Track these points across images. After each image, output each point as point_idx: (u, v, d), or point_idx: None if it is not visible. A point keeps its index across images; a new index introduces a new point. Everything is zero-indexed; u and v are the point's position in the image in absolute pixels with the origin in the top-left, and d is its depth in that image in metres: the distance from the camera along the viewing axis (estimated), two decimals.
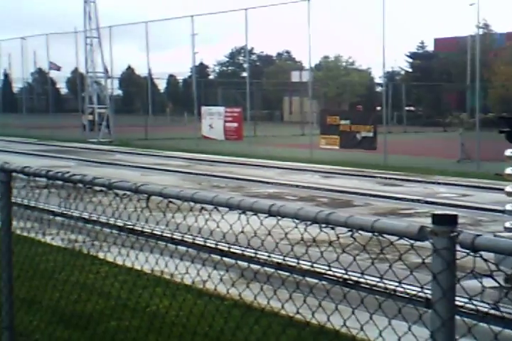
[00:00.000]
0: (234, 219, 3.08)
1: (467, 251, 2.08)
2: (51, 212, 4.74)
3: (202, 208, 3.22)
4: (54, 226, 4.49)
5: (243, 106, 33.76)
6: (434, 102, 57.86)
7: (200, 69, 68.61)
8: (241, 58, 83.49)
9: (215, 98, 45.78)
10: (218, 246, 3.53)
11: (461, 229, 2.12)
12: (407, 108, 53.35)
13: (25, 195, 4.24)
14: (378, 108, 41.23)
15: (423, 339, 2.29)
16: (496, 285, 2.47)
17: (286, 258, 3.05)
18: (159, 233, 3.73)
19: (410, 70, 65.87)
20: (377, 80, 66.16)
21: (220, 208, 3.07)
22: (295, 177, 19.70)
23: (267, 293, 3.13)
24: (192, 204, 3.21)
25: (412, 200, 14.64)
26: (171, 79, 79.44)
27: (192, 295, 4.38)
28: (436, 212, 2.15)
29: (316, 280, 3.47)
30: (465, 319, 2.68)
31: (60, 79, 63.45)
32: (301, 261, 2.99)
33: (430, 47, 67.89)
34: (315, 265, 2.87)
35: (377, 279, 2.73)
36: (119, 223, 4.07)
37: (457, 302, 2.13)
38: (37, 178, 4.00)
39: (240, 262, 3.38)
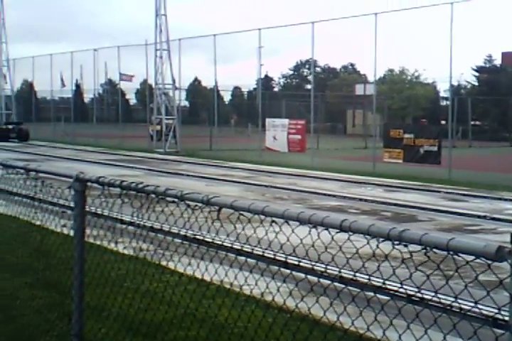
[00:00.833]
0: (305, 232, 3.09)
1: None
2: (120, 220, 4.83)
3: (272, 221, 3.24)
4: (125, 235, 4.58)
5: (307, 118, 33.74)
6: (500, 117, 56.89)
7: (265, 82, 68.94)
8: (305, 71, 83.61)
9: (279, 110, 45.87)
10: (288, 260, 3.55)
11: None
12: (472, 122, 52.56)
13: (98, 204, 4.34)
14: (443, 122, 40.74)
15: None
16: None
17: (357, 274, 3.05)
18: (229, 245, 3.77)
19: (477, 84, 64.94)
20: (442, 94, 65.50)
21: (290, 221, 3.08)
22: (358, 190, 19.60)
23: (337, 309, 3.13)
24: (262, 216, 3.24)
25: (478, 216, 14.39)
26: (236, 91, 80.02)
27: (260, 308, 4.40)
28: None
29: (386, 298, 3.45)
30: None
31: (130, 90, 64.60)
32: (372, 277, 2.99)
33: (498, 61, 66.80)
34: (387, 282, 2.87)
35: (451, 298, 2.71)
36: (189, 233, 4.14)
37: None
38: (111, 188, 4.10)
39: (309, 276, 3.39)
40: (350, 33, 71.55)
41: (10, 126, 47.20)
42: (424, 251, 2.47)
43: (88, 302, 4.73)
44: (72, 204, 4.34)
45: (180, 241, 4.47)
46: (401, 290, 3.95)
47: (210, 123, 44.53)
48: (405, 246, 2.58)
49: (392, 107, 60.52)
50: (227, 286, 4.24)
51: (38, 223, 5.42)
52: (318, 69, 78.21)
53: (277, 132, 31.89)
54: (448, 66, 24.36)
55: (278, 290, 3.55)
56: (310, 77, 72.24)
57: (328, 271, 3.75)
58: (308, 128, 32.22)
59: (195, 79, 77.93)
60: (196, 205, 3.66)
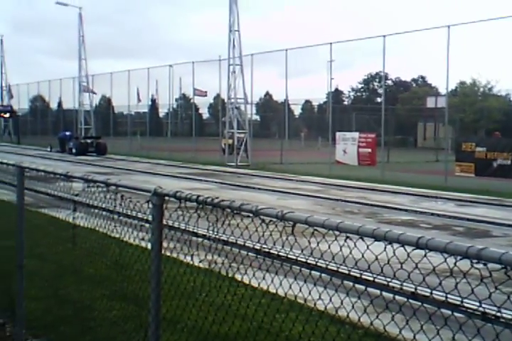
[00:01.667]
0: (380, 249, 3.09)
1: None
2: (196, 233, 4.91)
3: (347, 237, 3.25)
4: (201, 249, 4.66)
5: (377, 131, 33.55)
6: None
7: (336, 95, 68.84)
8: (375, 84, 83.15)
9: (349, 123, 45.79)
10: (363, 276, 3.56)
11: None
12: None
13: (175, 218, 4.43)
14: None
15: None
16: None
17: (434, 292, 3.04)
18: (303, 260, 3.81)
19: None
20: None
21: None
22: (429, 204, 19.38)
23: (413, 327, 3.12)
24: (337, 232, 3.25)
25: None
26: (307, 104, 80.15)
27: (334, 324, 4.41)
28: None
29: (462, 315, 3.42)
30: None
31: (203, 105, 65.63)
32: (449, 296, 2.98)
33: None
34: (465, 300, 2.86)
35: None
36: (264, 248, 4.18)
37: None
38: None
39: (384, 293, 3.39)
40: (421, 45, 71.03)
41: (89, 141, 48.50)
42: (504, 270, 2.44)
43: (164, 314, 4.82)
44: (149, 218, 4.44)
45: (254, 255, 4.52)
46: (477, 308, 3.91)
47: (281, 136, 44.73)
48: (484, 264, 2.56)
49: (464, 120, 59.60)
50: (301, 301, 4.26)
51: (116, 235, 5.55)
52: (388, 82, 77.73)
53: (347, 145, 31.80)
54: None
55: (353, 307, 3.55)
56: (380, 90, 71.82)
57: (403, 287, 3.74)
58: (379, 142, 32.04)
59: (266, 93, 78.49)
60: (271, 220, 3.71)
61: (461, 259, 2.62)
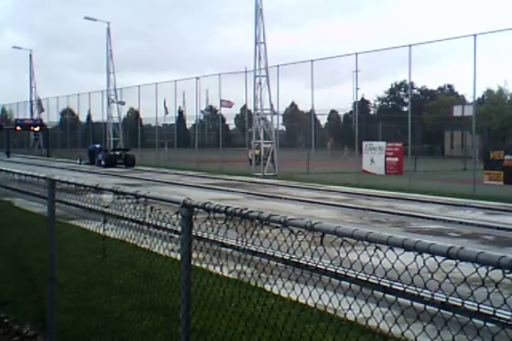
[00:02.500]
0: (410, 259, 3.09)
1: None
2: (225, 244, 4.92)
3: (377, 247, 3.25)
4: (230, 259, 4.67)
5: (404, 140, 33.43)
6: None
7: (362, 105, 68.75)
8: (401, 93, 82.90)
9: (375, 133, 45.66)
10: (393, 286, 3.56)
11: None
12: None
13: (204, 229, 4.45)
14: None
15: None
16: None
17: (466, 302, 3.02)
18: (333, 270, 3.81)
19: None
20: None
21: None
22: (457, 213, 19.24)
23: (445, 337, 3.11)
24: (366, 242, 3.25)
25: None
26: (333, 114, 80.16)
27: (364, 334, 4.40)
28: None
29: (494, 326, 3.39)
30: None
31: (230, 116, 65.98)
32: (481, 305, 2.96)
33: None
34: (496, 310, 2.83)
35: None
36: (293, 258, 4.19)
37: None
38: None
39: (415, 303, 3.38)
40: (447, 54, 70.72)
41: (117, 153, 48.91)
42: None
43: (194, 324, 4.83)
44: (179, 229, 4.47)
45: (283, 265, 4.52)
46: (510, 318, 3.87)
47: (307, 146, 44.75)
48: None
49: (492, 128, 59.17)
50: (331, 311, 4.25)
51: (145, 246, 5.59)
52: (414, 90, 77.47)
53: (374, 155, 31.75)
54: None
55: (383, 317, 3.54)
56: (406, 99, 71.57)
57: (434, 297, 3.73)
58: (406, 151, 31.91)
59: (292, 104, 78.62)
60: (299, 231, 3.71)
61: (493, 269, 2.60)
